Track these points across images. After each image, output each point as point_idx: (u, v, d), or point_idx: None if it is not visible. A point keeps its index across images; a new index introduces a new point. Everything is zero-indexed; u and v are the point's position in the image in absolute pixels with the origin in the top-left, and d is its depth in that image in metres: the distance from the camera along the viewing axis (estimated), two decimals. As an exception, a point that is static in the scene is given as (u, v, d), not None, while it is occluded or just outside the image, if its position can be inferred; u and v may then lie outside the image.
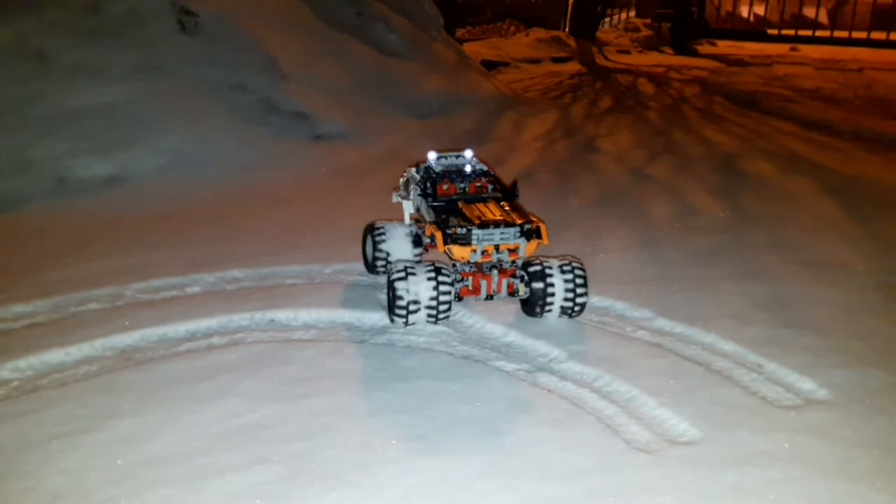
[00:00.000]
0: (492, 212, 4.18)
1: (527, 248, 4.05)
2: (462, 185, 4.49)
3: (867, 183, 7.92)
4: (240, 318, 4.50)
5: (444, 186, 4.48)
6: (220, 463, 3.06)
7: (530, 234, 4.02)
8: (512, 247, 4.00)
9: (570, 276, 4.26)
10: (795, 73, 18.24)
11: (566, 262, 4.33)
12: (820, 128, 11.22)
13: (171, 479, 2.96)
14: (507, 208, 4.26)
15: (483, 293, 4.25)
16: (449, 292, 4.12)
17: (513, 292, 4.27)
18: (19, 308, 4.51)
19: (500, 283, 4.24)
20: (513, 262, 4.28)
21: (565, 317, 4.36)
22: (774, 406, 3.59)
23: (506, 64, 18.06)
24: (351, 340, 4.22)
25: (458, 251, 3.97)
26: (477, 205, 4.28)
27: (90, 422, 3.35)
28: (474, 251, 3.98)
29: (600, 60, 21.64)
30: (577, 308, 4.31)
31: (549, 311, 4.30)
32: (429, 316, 4.17)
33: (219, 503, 2.83)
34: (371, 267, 5.06)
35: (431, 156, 4.66)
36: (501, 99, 12.00)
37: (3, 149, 6.63)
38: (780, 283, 5.13)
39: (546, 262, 4.30)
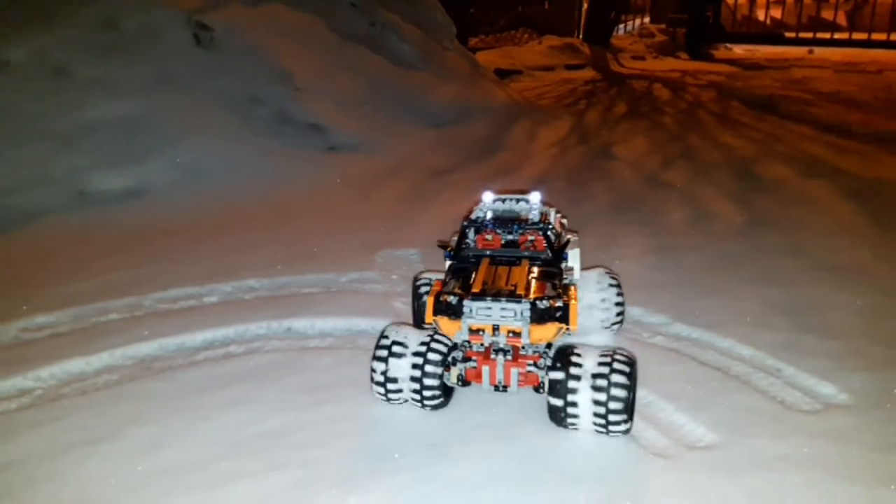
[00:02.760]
0: (510, 278, 3.33)
1: (537, 333, 3.10)
2: (510, 238, 3.67)
3: (888, 186, 7.83)
4: (256, 327, 4.54)
5: (487, 237, 3.67)
6: (237, 469, 3.09)
7: (546, 314, 3.08)
8: (515, 329, 3.12)
9: (603, 381, 3.09)
10: (813, 76, 18.10)
11: (606, 357, 3.17)
12: (839, 131, 11.11)
13: (190, 485, 3.00)
14: (535, 275, 3.38)
15: (485, 382, 3.38)
16: (435, 375, 3.33)
17: (538, 386, 3.35)
18: (41, 319, 4.58)
19: (507, 373, 3.33)
20: (546, 345, 3.35)
21: (602, 433, 3.25)
22: (793, 411, 3.55)
23: (519, 72, 18.10)
24: (367, 348, 4.23)
25: (446, 325, 3.17)
26: (501, 266, 3.47)
27: (110, 430, 3.40)
28: (462, 328, 3.16)
29: (615, 67, 21.62)
30: (612, 429, 3.17)
31: (575, 425, 3.23)
32: (414, 399, 3.43)
33: (236, 510, 2.85)
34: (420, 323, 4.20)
35: (487, 197, 3.84)
36: (515, 107, 12.02)
37: (22, 163, 6.75)
38: (798, 288, 5.09)
39: (578, 354, 3.20)
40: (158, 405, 3.61)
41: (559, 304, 3.11)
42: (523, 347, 3.32)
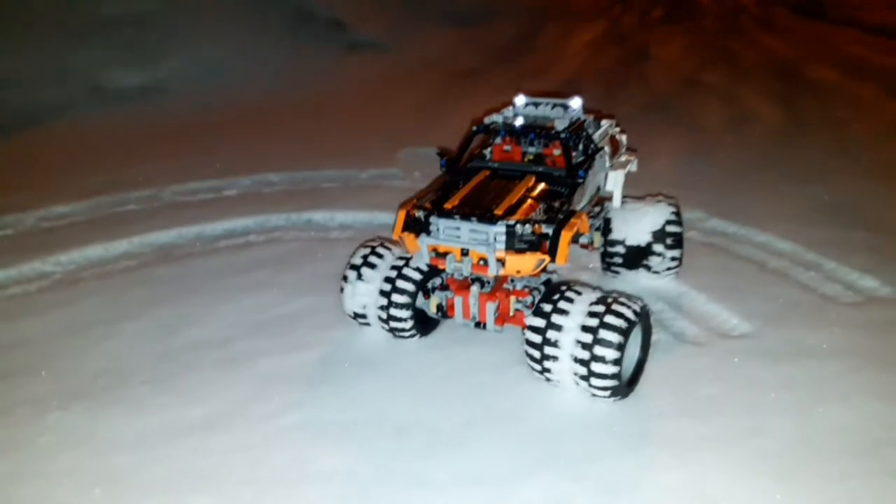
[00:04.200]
0: (500, 195, 2.72)
1: (514, 263, 2.51)
2: (531, 150, 3.08)
3: (940, 87, 7.37)
4: (276, 219, 4.45)
5: (506, 148, 3.11)
6: (256, 349, 3.04)
7: (524, 242, 2.51)
8: (486, 256, 2.55)
9: (588, 336, 2.49)
10: (865, -21, 16.99)
11: (601, 305, 2.55)
12: (888, 33, 10.45)
13: (208, 362, 2.96)
14: (534, 194, 2.78)
15: (458, 315, 2.85)
16: (404, 305, 2.88)
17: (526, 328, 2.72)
18: (60, 209, 4.53)
19: (482, 308, 2.77)
20: (545, 280, 2.82)
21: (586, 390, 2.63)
22: (833, 303, 3.39)
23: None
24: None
25: (411, 243, 2.67)
26: (499, 181, 2.88)
27: (129, 310, 3.36)
28: (427, 248, 2.64)
29: (652, -28, 20.50)
30: (597, 392, 2.57)
31: (554, 379, 2.65)
32: (381, 321, 2.99)
33: (254, 384, 2.81)
34: None
35: (519, 100, 3.26)
36: (547, 6, 11.46)
37: (40, 58, 6.60)
38: (841, 186, 4.84)
39: (569, 297, 2.60)
40: (178, 289, 3.57)
41: (546, 230, 2.53)
42: (511, 280, 2.85)
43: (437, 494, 2.28)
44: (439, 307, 2.87)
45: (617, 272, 3.56)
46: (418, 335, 3.01)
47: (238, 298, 3.45)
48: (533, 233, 2.51)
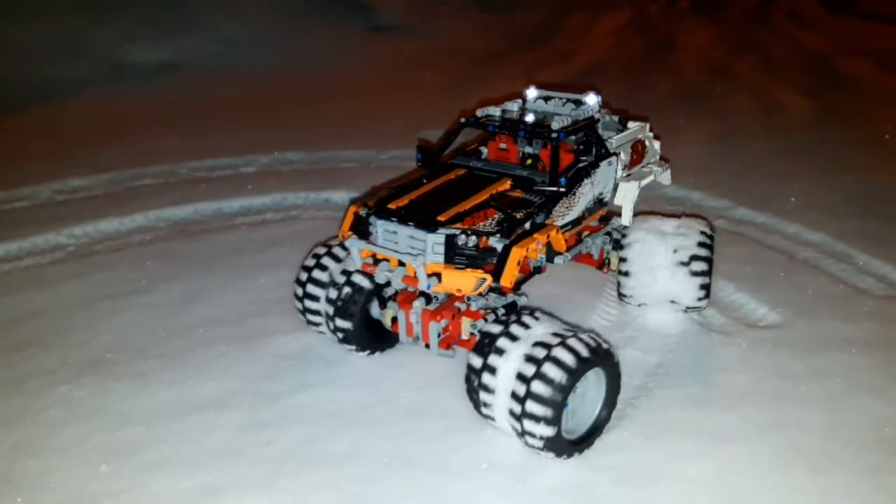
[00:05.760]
0: (458, 199, 2.35)
1: (452, 279, 2.13)
2: (529, 150, 2.72)
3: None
4: (294, 197, 4.39)
5: (502, 146, 2.77)
6: (272, 326, 2.98)
7: (465, 256, 2.14)
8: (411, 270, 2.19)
9: (530, 367, 2.07)
10: (897, -26, 16.60)
11: (554, 337, 2.14)
12: (923, 28, 10.19)
13: (222, 339, 2.90)
14: (499, 202, 2.39)
15: (402, 333, 2.49)
16: (344, 311, 2.54)
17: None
18: (76, 182, 4.49)
19: (424, 327, 2.40)
20: (510, 302, 2.44)
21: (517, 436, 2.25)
22: (865, 295, 3.27)
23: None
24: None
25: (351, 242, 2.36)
26: (467, 183, 2.52)
27: (143, 285, 3.31)
28: (359, 252, 2.30)
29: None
30: (530, 441, 2.16)
31: (489, 414, 2.26)
32: (329, 331, 2.70)
33: (268, 363, 2.75)
34: None
35: (531, 94, 2.90)
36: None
37: (61, 33, 6.57)
38: (873, 178, 4.70)
39: (522, 323, 2.20)
40: (193, 264, 3.51)
41: (494, 244, 2.16)
42: (467, 298, 2.41)
43: (451, 479, 2.21)
44: (395, 320, 2.51)
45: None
46: (367, 351, 2.68)
47: (254, 275, 3.39)
48: (477, 246, 2.12)
